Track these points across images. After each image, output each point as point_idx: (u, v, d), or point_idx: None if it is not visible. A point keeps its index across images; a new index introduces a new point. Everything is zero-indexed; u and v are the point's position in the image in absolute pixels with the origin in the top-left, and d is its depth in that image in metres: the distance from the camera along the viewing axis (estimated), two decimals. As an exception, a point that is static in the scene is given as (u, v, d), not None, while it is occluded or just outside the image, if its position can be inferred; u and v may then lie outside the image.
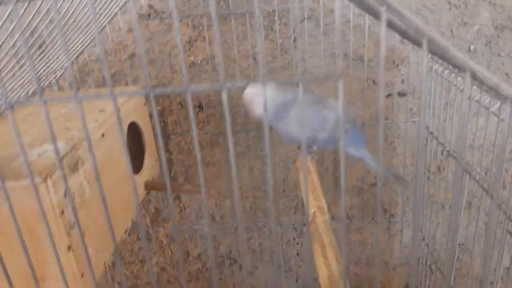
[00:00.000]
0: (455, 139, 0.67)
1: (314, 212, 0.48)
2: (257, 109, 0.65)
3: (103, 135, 0.60)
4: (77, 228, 0.52)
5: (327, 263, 0.39)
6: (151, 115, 0.92)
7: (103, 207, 0.58)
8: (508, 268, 0.90)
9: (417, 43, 0.30)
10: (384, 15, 0.25)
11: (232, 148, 0.31)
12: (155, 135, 0.94)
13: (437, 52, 0.31)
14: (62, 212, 0.49)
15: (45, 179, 0.47)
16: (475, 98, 0.57)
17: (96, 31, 0.28)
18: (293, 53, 0.25)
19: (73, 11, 0.74)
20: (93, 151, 0.33)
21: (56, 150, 0.33)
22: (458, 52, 0.23)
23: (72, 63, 0.87)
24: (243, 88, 0.91)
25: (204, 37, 0.88)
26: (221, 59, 0.28)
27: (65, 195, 0.50)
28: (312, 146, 0.68)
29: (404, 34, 0.33)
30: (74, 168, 0.53)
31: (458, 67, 0.26)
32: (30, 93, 0.80)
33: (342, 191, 0.30)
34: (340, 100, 0.27)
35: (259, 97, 0.64)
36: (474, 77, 0.26)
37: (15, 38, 0.61)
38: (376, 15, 0.26)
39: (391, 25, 0.31)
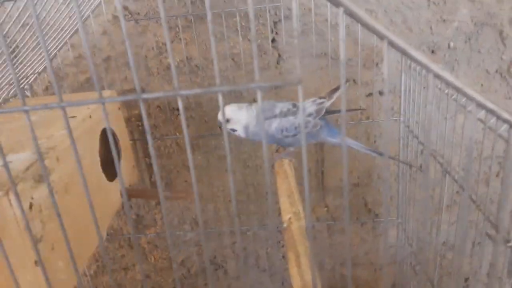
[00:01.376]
0: (435, 137, 0.66)
1: (289, 218, 0.47)
2: (233, 130, 0.69)
3: (72, 143, 0.58)
4: (44, 242, 0.50)
5: (300, 273, 0.38)
6: (127, 120, 0.90)
7: (74, 218, 0.56)
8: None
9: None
10: (342, 17, 0.23)
11: (190, 154, 0.29)
12: (132, 140, 0.92)
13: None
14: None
15: (6, 192, 0.45)
16: (453, 97, 0.56)
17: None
18: (253, 56, 0.24)
19: (45, 15, 0.72)
20: (45, 167, 0.31)
21: (6, 165, 0.31)
22: (419, 55, 0.22)
23: (46, 67, 0.85)
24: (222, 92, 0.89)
25: (180, 39, 0.86)
26: (173, 66, 0.26)
27: (30, 207, 0.48)
28: (291, 147, 0.68)
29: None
30: (40, 178, 0.51)
31: (423, 68, 0.24)
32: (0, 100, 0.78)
33: (306, 198, 0.28)
34: (300, 104, 0.26)
35: (230, 120, 0.67)
36: (439, 78, 0.24)
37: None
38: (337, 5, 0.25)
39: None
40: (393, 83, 0.87)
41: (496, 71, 0.88)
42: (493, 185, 0.92)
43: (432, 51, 0.87)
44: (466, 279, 1.00)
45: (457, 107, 0.56)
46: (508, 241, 0.43)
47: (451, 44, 0.86)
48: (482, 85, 0.89)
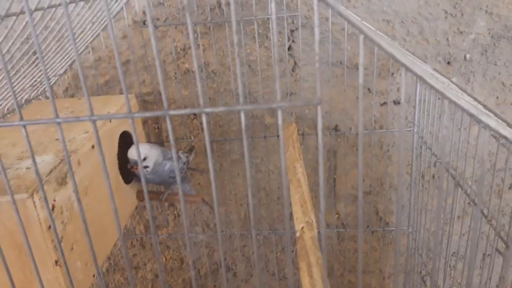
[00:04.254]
0: (448, 149, 0.67)
1: (302, 228, 0.48)
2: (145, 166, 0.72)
3: (93, 146, 0.60)
4: (64, 242, 0.52)
5: (312, 283, 0.39)
6: (144, 123, 0.92)
7: (92, 220, 0.58)
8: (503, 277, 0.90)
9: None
10: (362, 44, 0.24)
11: (211, 162, 0.30)
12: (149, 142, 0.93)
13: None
14: (49, 227, 0.49)
15: (31, 194, 0.47)
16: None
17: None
18: (276, 76, 0.25)
19: (71, 21, 0.73)
20: (72, 169, 0.32)
21: (37, 170, 0.33)
22: (430, 81, 0.23)
23: (66, 70, 0.87)
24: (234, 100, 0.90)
25: (198, 45, 0.87)
26: (200, 85, 0.27)
27: (52, 209, 0.50)
28: (170, 189, 0.78)
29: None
30: (63, 181, 0.53)
31: (439, 95, 0.25)
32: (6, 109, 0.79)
33: (323, 206, 0.29)
34: (319, 125, 0.27)
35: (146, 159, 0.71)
36: (455, 104, 0.25)
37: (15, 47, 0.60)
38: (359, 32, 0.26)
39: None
40: (408, 93, 0.88)
41: (512, 84, 0.88)
42: (506, 198, 0.92)
43: (448, 63, 0.87)
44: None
45: (471, 120, 0.56)
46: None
47: (467, 56, 0.87)
48: (497, 97, 0.89)
